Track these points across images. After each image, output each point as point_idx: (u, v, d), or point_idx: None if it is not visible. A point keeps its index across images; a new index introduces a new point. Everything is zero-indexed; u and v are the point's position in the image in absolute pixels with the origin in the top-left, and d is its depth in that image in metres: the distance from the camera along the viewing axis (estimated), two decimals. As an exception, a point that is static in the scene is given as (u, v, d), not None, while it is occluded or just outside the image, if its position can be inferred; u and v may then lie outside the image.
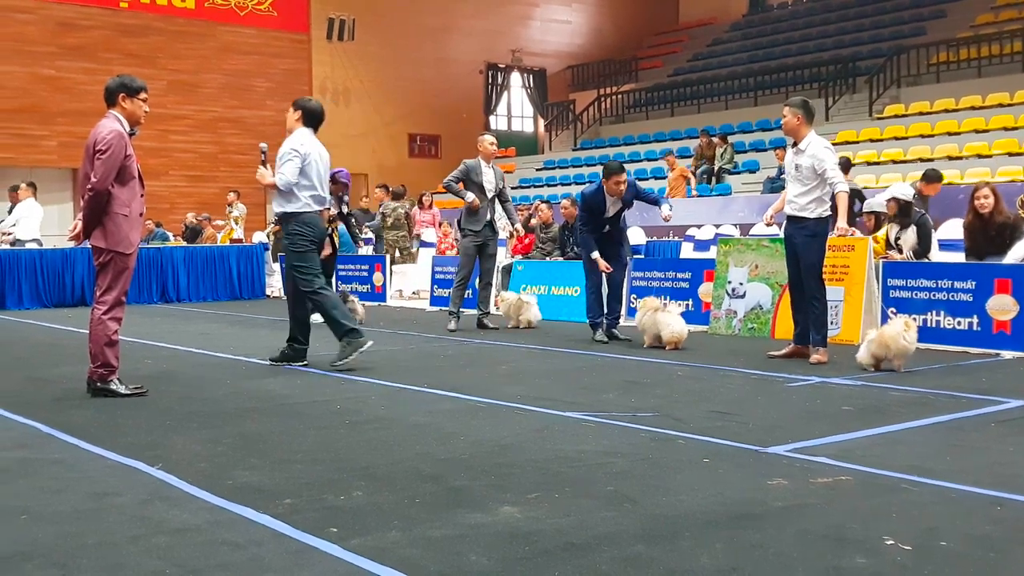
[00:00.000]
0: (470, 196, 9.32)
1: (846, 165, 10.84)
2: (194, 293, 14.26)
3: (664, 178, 21.10)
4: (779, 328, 8.38)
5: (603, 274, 8.43)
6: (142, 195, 5.78)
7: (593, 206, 8.43)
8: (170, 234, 18.03)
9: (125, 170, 5.58)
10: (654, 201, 8.82)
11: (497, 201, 9.62)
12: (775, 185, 15.70)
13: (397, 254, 14.99)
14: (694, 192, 19.21)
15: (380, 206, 15.61)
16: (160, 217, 18.62)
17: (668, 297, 9.28)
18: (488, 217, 9.39)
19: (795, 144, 7.02)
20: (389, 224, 14.98)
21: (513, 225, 10.37)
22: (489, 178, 9.38)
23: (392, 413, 5.12)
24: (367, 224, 15.14)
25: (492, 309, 9.58)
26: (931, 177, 10.43)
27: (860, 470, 3.80)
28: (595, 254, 8.37)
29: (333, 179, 10.46)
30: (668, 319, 7.87)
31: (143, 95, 5.75)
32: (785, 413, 5.05)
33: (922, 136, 18.18)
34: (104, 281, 5.62)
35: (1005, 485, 3.56)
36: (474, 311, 9.79)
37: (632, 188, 8.49)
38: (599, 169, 25.10)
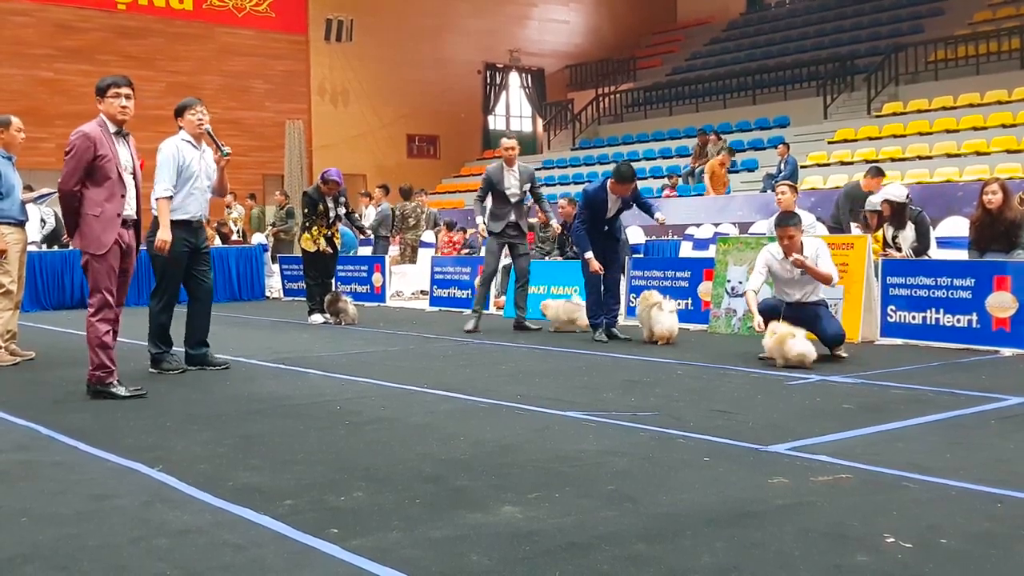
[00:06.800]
0: (480, 223, 9.40)
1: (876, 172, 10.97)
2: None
3: (661, 177, 21.14)
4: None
5: (600, 274, 8.42)
6: (122, 196, 5.63)
7: (596, 204, 8.39)
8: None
9: (98, 170, 5.52)
10: (648, 208, 8.74)
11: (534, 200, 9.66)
12: (774, 183, 15.70)
13: (409, 252, 15.00)
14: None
15: (380, 206, 15.58)
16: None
17: (667, 296, 9.27)
18: (510, 219, 9.26)
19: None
20: (411, 224, 14.97)
21: (551, 222, 10.38)
22: (511, 182, 9.27)
23: (392, 414, 5.12)
24: (369, 225, 15.13)
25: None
26: (875, 172, 10.76)
27: (860, 468, 3.80)
28: (589, 254, 8.34)
29: (324, 179, 10.47)
30: (659, 316, 8.10)
31: (112, 91, 5.62)
32: (785, 411, 5.05)
33: (920, 134, 18.19)
34: (89, 283, 5.64)
35: (1005, 482, 3.56)
36: (482, 311, 9.69)
37: (634, 189, 8.48)
38: (598, 168, 25.14)
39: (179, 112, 6.86)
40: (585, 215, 8.46)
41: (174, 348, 6.89)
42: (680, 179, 19.77)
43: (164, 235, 6.52)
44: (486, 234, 9.36)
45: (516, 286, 9.59)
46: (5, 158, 7.37)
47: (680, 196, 18.94)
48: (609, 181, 8.35)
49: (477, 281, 9.66)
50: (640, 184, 10.96)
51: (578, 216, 8.51)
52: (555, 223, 10.51)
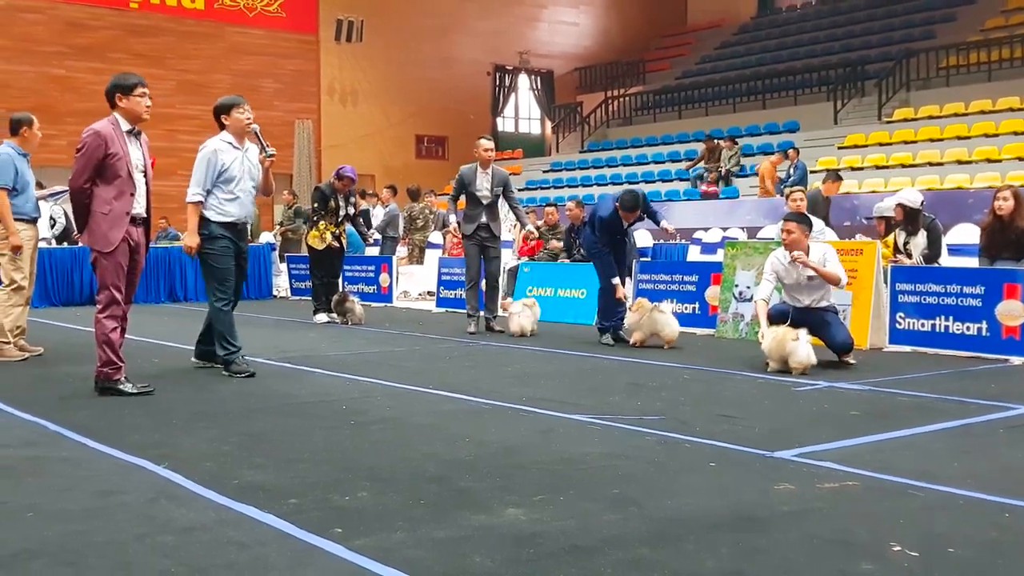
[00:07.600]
0: (452, 221, 9.54)
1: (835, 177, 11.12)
2: (201, 293, 14.17)
3: (671, 180, 21.12)
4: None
5: (624, 302, 8.41)
6: (132, 194, 5.64)
7: (613, 226, 8.38)
8: (180, 233, 18.08)
9: (108, 168, 5.55)
10: (654, 215, 8.71)
11: (505, 203, 9.64)
12: (783, 187, 15.66)
13: (416, 252, 15.01)
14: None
15: (387, 207, 15.59)
16: (169, 216, 18.71)
17: (675, 300, 9.26)
18: (481, 221, 9.27)
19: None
20: (420, 225, 15.02)
21: (525, 227, 10.36)
22: (483, 184, 9.26)
23: (398, 414, 5.12)
24: (376, 227, 15.14)
25: (500, 312, 9.57)
26: (835, 178, 10.83)
27: (867, 475, 3.78)
28: (616, 280, 8.34)
29: (339, 175, 10.51)
30: (666, 319, 8.06)
31: (139, 90, 5.66)
32: (792, 417, 5.04)
33: (931, 140, 18.12)
34: (97, 280, 5.68)
35: (1013, 491, 3.54)
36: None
37: (644, 204, 8.48)
38: (606, 171, 24.95)
39: (224, 111, 6.53)
40: (605, 239, 8.43)
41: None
42: (719, 176, 19.61)
43: (189, 240, 6.47)
44: (458, 234, 9.40)
45: (485, 288, 9.59)
46: (21, 155, 7.40)
47: (724, 199, 18.87)
48: (618, 209, 8.33)
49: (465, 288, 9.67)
50: (648, 188, 10.92)
51: (597, 239, 8.47)
52: (530, 227, 10.37)
